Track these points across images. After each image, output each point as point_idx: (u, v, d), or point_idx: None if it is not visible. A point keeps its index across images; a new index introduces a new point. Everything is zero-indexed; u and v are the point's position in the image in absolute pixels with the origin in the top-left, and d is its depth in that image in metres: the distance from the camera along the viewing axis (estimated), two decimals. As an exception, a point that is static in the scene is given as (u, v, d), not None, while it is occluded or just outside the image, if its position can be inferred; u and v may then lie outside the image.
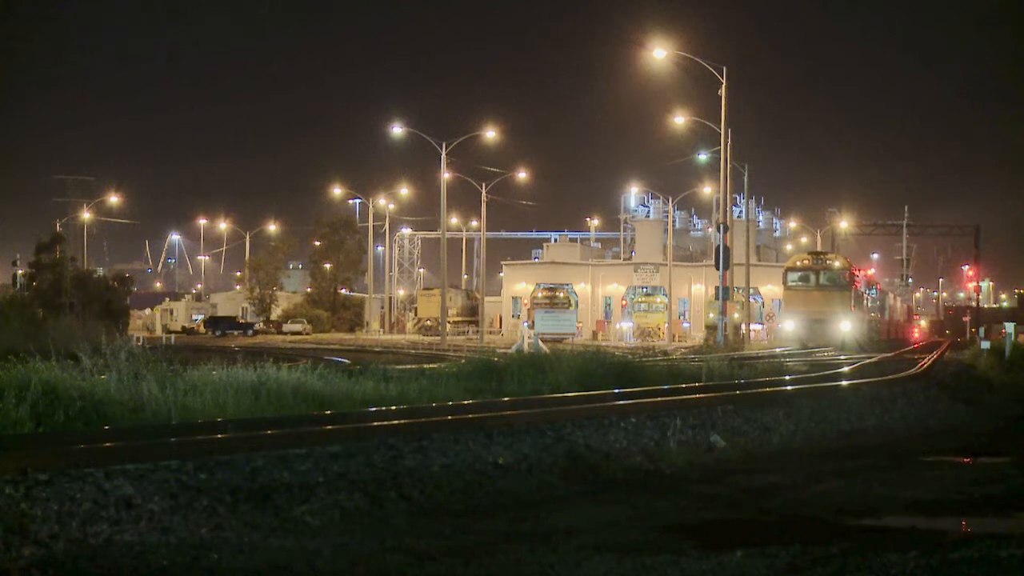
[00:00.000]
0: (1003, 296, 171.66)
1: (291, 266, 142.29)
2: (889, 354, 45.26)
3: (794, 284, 61.71)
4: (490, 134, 77.95)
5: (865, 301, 66.45)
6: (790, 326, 60.97)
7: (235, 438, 12.63)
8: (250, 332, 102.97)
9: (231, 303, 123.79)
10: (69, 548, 9.28)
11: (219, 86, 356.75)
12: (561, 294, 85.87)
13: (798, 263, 63.74)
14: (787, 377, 27.44)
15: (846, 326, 58.57)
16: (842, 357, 42.62)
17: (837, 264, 62.15)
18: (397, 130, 77.96)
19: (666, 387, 22.16)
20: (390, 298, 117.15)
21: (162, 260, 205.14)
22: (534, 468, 13.66)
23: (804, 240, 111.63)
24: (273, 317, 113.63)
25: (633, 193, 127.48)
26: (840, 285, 60.42)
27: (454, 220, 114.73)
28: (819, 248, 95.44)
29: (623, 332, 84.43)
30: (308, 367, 20.65)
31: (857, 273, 63.84)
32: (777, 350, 50.99)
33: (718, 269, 52.90)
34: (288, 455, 12.18)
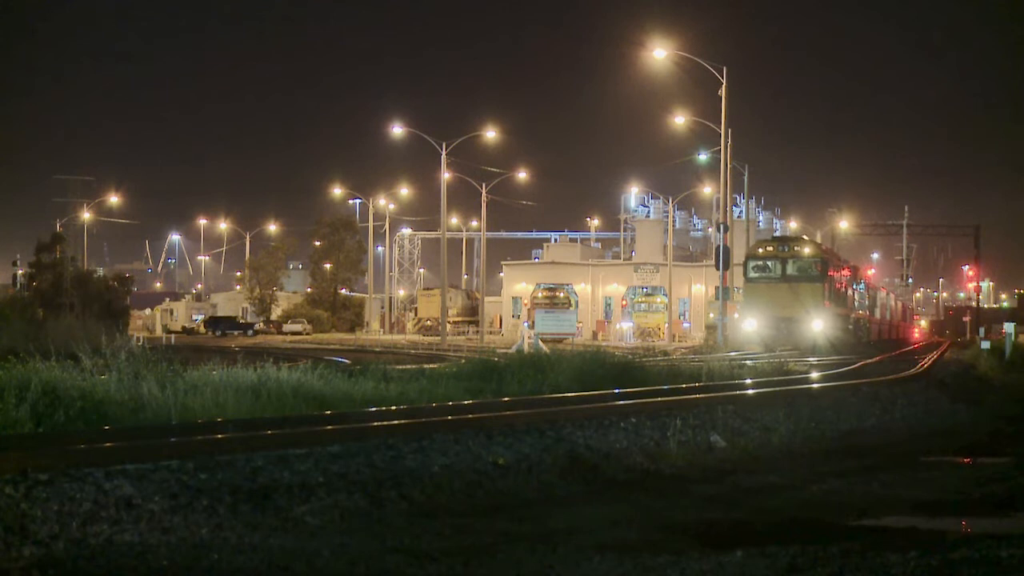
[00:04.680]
0: (1003, 296, 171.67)
1: (291, 266, 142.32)
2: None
3: (756, 276, 52.07)
4: (490, 134, 78.10)
5: (850, 296, 58.45)
6: (751, 326, 51.09)
7: (235, 438, 12.63)
8: (250, 332, 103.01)
9: (231, 303, 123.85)
10: (69, 548, 9.27)
11: (219, 86, 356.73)
12: (561, 294, 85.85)
13: (760, 250, 53.37)
14: (787, 377, 27.44)
15: (818, 325, 49.56)
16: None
17: (807, 251, 52.29)
18: (397, 130, 78.14)
19: (666, 387, 22.15)
20: (390, 298, 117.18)
21: (162, 260, 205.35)
22: (534, 468, 13.66)
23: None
24: (273, 317, 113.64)
25: (633, 193, 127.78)
26: (811, 276, 50.91)
27: (454, 220, 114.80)
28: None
29: (623, 332, 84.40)
30: (308, 367, 20.65)
31: (833, 262, 54.91)
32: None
33: (718, 269, 52.79)
34: (288, 455, 12.18)
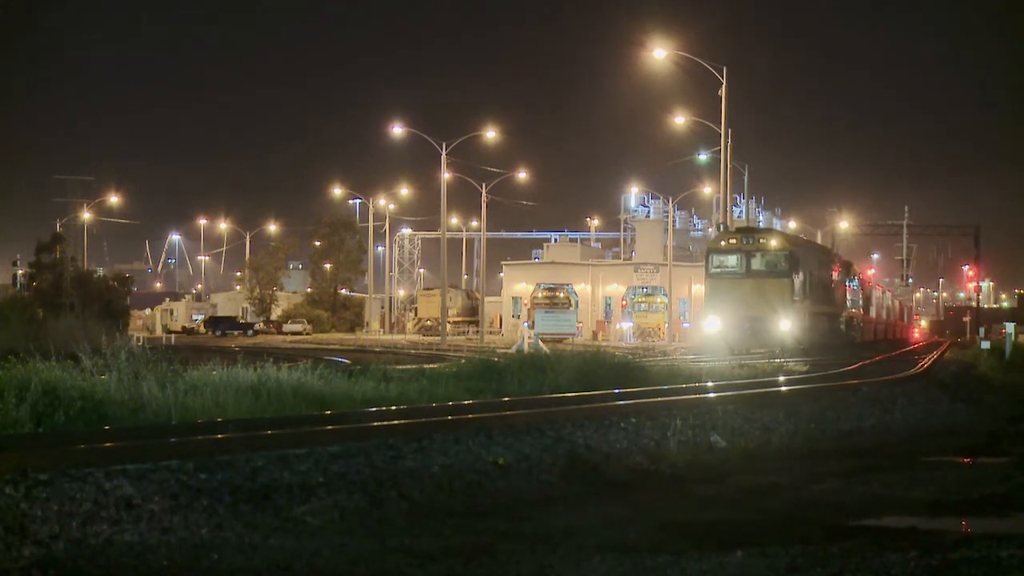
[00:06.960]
0: (1003, 296, 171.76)
1: (291, 266, 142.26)
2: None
3: (718, 271, 46.49)
4: (490, 134, 78.19)
5: (839, 294, 55.22)
6: (713, 326, 45.52)
7: (235, 438, 12.63)
8: (250, 332, 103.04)
9: (231, 303, 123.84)
10: (69, 548, 9.28)
11: (219, 85, 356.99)
12: (561, 294, 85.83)
13: (722, 243, 47.78)
14: (787, 377, 27.43)
15: (786, 325, 44.49)
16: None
17: (774, 243, 46.70)
18: (397, 130, 78.26)
19: (666, 387, 22.15)
20: (390, 298, 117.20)
21: (162, 260, 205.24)
22: (534, 468, 13.66)
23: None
24: (273, 317, 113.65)
25: (633, 193, 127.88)
26: (778, 271, 45.50)
27: (454, 220, 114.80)
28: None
29: (623, 332, 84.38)
30: (308, 367, 20.64)
31: (812, 256, 50.30)
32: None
33: (718, 269, 52.54)
34: (288, 455, 12.17)
